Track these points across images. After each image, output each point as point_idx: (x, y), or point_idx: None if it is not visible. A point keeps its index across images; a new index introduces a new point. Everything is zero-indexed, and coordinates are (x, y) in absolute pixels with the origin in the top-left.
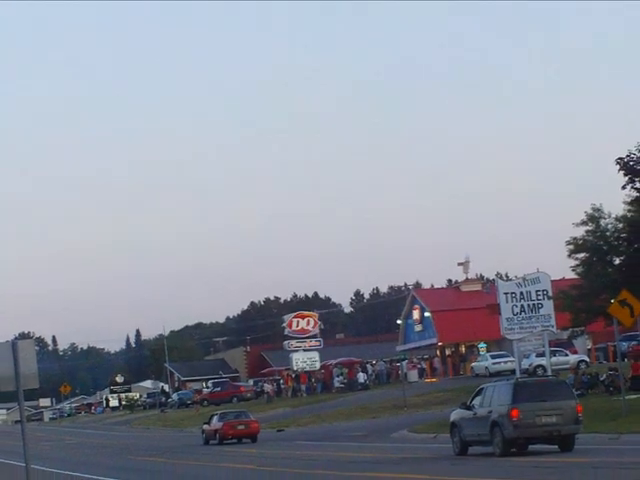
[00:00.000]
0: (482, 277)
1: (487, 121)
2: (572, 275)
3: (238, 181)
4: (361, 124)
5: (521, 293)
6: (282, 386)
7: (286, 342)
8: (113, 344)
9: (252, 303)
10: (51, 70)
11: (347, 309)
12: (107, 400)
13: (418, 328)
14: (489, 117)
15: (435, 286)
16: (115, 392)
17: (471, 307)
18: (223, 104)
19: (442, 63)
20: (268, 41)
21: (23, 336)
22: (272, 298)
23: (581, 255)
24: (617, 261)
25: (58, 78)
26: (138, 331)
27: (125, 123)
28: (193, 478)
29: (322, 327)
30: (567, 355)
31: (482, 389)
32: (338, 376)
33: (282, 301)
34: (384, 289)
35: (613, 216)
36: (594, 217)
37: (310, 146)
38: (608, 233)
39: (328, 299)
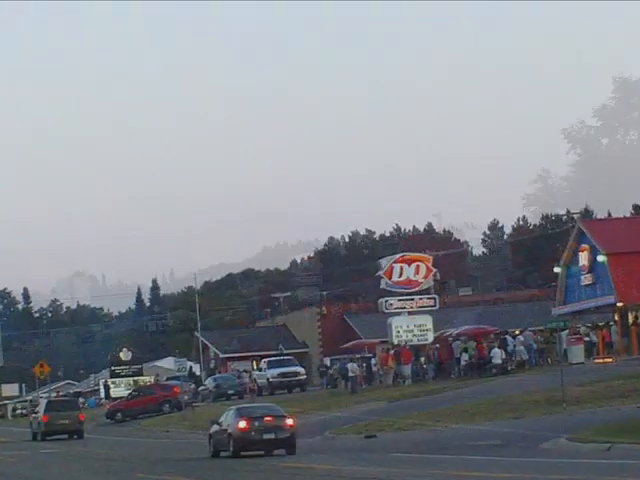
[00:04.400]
0: None
1: (461, 100)
2: None
3: (252, 151)
4: (356, 107)
5: None
6: (374, 368)
7: (381, 300)
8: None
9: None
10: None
11: None
12: (107, 388)
13: (587, 281)
14: (463, 97)
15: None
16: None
17: None
18: (237, 90)
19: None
20: (273, 39)
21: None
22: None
23: None
24: None
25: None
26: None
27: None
28: None
29: (438, 277)
30: None
31: None
32: (461, 354)
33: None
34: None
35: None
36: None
37: (314, 123)
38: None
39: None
